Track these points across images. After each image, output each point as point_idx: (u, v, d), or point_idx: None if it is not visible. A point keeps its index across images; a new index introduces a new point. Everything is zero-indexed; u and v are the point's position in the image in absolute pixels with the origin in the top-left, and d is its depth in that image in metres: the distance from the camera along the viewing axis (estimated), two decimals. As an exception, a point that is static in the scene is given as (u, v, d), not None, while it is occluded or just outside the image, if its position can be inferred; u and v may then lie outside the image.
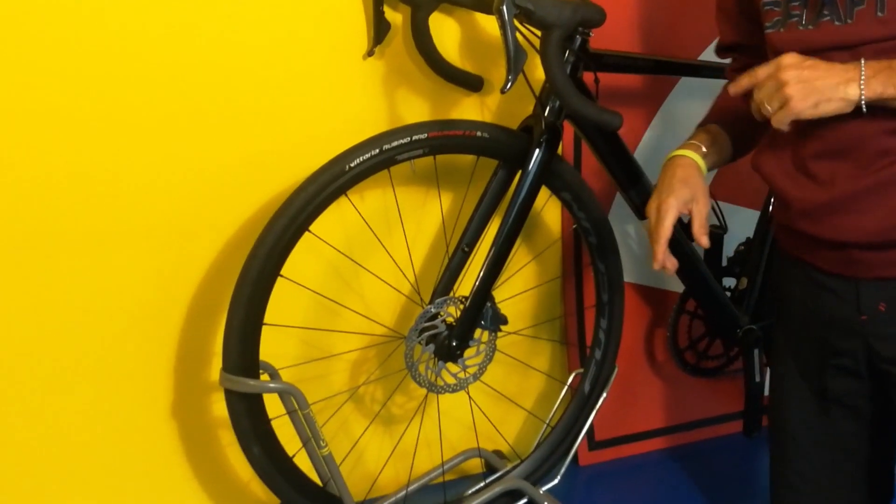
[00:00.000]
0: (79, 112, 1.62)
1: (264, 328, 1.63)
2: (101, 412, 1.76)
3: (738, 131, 1.61)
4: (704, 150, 1.56)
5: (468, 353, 1.81)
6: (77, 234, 1.67)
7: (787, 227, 1.50)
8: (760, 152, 1.52)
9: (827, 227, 1.41)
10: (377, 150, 1.66)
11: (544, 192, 1.82)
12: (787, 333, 1.61)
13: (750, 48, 1.57)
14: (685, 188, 1.50)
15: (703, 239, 1.48)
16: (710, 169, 1.57)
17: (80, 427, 1.75)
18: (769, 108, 1.30)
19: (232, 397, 1.62)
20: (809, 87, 1.27)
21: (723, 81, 1.73)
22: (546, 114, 1.75)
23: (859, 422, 1.53)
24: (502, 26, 1.51)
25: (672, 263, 1.47)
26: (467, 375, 1.83)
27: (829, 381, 1.52)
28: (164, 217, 1.73)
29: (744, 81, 1.35)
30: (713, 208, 2.08)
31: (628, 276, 2.15)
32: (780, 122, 1.30)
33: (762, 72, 1.31)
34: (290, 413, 1.72)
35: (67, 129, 1.62)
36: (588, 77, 1.78)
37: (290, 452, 1.70)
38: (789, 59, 1.29)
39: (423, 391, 1.84)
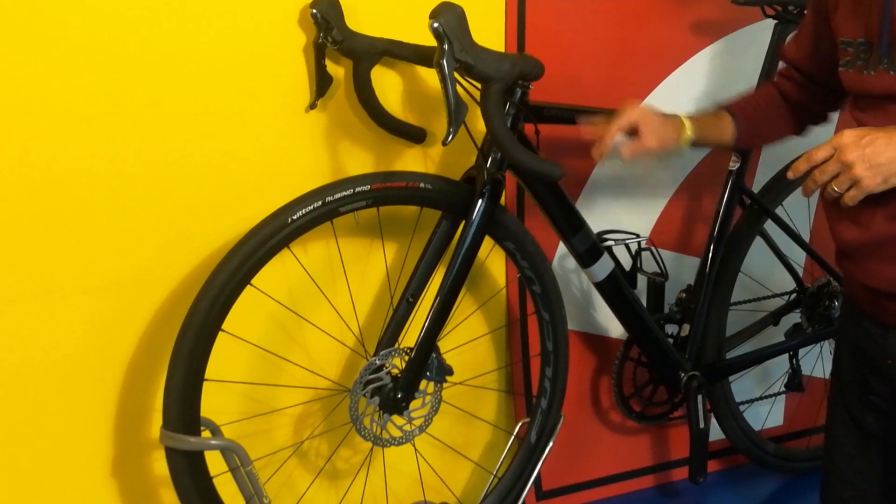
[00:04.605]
0: (16, 161, 1.60)
1: (205, 384, 1.60)
2: (38, 472, 1.71)
3: (752, 125, 1.72)
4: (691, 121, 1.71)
5: (414, 404, 1.79)
6: (14, 287, 1.63)
7: (839, 263, 1.56)
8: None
9: (861, 270, 1.47)
10: (320, 203, 1.66)
11: (488, 242, 1.83)
12: (838, 367, 1.65)
13: (801, 69, 1.68)
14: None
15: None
16: (696, 141, 1.71)
17: (17, 486, 1.70)
18: (837, 189, 1.31)
19: (173, 455, 1.59)
20: (876, 164, 1.28)
21: None
22: (488, 165, 1.77)
23: (892, 458, 1.57)
24: (442, 80, 1.53)
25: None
26: (413, 428, 1.82)
27: (866, 416, 1.56)
28: (102, 270, 1.70)
29: (801, 166, 1.35)
30: (654, 256, 2.11)
31: (572, 324, 2.17)
32: (853, 199, 1.31)
33: (820, 154, 1.32)
34: (233, 470, 1.68)
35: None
36: (529, 129, 1.81)
37: (232, 510, 1.67)
38: (847, 138, 1.30)
39: (369, 444, 1.82)
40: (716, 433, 2.32)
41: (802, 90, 1.72)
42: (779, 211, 2.28)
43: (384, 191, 1.73)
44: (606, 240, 2.02)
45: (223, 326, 1.60)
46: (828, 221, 1.52)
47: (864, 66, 1.43)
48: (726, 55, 2.29)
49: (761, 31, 2.17)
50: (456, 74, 1.56)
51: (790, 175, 1.39)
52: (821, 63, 1.62)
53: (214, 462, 1.65)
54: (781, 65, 1.77)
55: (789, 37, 1.75)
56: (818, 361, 2.54)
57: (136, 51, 1.65)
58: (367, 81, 1.79)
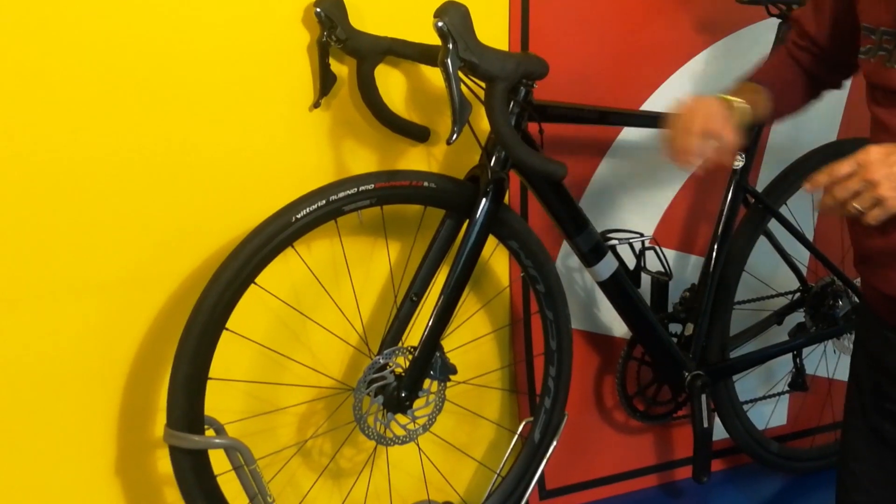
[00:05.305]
0: (23, 158, 1.60)
1: (209, 382, 1.60)
2: (41, 471, 1.71)
3: (780, 96, 1.62)
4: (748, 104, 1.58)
5: (417, 403, 1.79)
6: (17, 285, 1.64)
7: (857, 268, 1.51)
8: None
9: (879, 278, 1.42)
10: (324, 202, 1.66)
11: (491, 241, 1.83)
12: (855, 374, 1.61)
13: (818, 43, 1.60)
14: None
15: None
16: (758, 120, 1.61)
17: (20, 485, 1.70)
18: (858, 206, 1.24)
19: (177, 454, 1.59)
20: None
21: None
22: (492, 164, 1.77)
23: None
24: (447, 79, 1.53)
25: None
26: (417, 426, 1.82)
27: (883, 424, 1.52)
28: (105, 268, 1.70)
29: (821, 179, 1.27)
30: (658, 255, 2.10)
31: (576, 323, 2.17)
32: (876, 219, 1.24)
33: (843, 169, 1.24)
34: (237, 469, 1.68)
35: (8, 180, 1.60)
36: (533, 127, 1.81)
37: (236, 509, 1.67)
38: (873, 155, 1.23)
39: (373, 443, 1.82)
40: (719, 432, 2.32)
41: (818, 61, 1.64)
42: (783, 210, 2.28)
43: (388, 190, 1.73)
44: (610, 239, 2.01)
45: (227, 325, 1.60)
46: (847, 225, 1.47)
47: (886, 57, 1.36)
48: (730, 54, 2.28)
49: (765, 30, 2.16)
50: (460, 73, 1.56)
51: (807, 187, 1.31)
52: (840, 41, 1.55)
53: (218, 461, 1.65)
54: (793, 32, 1.68)
55: (806, 6, 1.64)
56: (822, 361, 2.53)
57: (140, 48, 1.65)
58: (370, 80, 1.79)
